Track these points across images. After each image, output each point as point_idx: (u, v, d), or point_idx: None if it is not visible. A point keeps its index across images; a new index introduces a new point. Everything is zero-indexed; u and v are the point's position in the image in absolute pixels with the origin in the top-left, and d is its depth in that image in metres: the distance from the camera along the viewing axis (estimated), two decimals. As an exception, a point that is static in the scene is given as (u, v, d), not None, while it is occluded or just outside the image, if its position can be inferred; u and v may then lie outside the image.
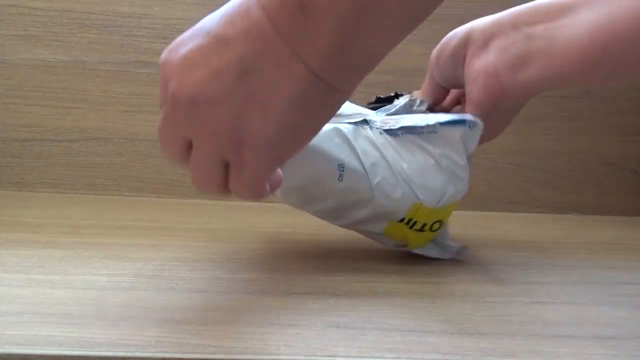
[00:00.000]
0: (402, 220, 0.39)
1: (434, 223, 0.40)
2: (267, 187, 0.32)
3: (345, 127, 0.39)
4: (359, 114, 0.41)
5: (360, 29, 0.27)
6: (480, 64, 0.41)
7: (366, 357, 0.25)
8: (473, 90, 0.41)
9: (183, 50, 0.31)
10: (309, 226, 0.51)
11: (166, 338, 0.26)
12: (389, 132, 0.40)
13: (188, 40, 0.31)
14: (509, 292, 0.35)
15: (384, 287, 0.35)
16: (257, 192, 0.32)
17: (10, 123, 0.64)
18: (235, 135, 0.29)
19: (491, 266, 0.42)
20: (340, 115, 0.40)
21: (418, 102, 0.44)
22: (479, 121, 0.40)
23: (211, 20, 0.31)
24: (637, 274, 0.42)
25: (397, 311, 0.31)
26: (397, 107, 0.44)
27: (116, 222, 0.51)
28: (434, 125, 0.39)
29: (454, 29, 0.43)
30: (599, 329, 0.30)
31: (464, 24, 0.43)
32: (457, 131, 0.39)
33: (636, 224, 0.66)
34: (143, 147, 0.65)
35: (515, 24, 0.40)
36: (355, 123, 0.40)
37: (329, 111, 0.31)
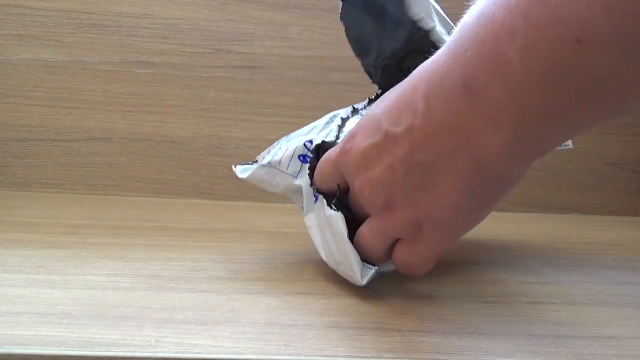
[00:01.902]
0: None
1: None
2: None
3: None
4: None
5: (547, 123, 0.26)
6: None
7: (366, 357, 0.25)
8: None
9: (361, 146, 0.32)
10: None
11: (166, 338, 0.26)
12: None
13: (363, 135, 0.32)
14: (509, 292, 0.35)
15: (384, 287, 0.35)
16: (425, 266, 0.33)
17: (10, 123, 0.64)
18: (411, 219, 0.31)
19: (491, 266, 0.42)
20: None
21: None
22: None
23: (382, 111, 0.31)
24: (637, 274, 0.42)
25: (397, 311, 0.31)
26: None
27: (116, 222, 0.51)
28: None
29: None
30: (599, 329, 0.30)
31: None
32: None
33: (636, 224, 0.66)
34: (143, 147, 0.65)
35: None
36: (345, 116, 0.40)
37: (500, 196, 0.31)
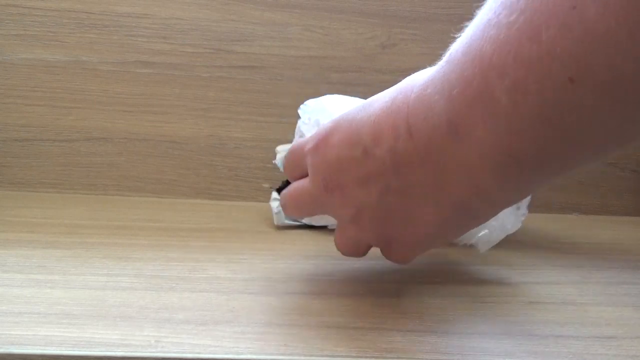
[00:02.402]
0: None
1: None
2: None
3: None
4: None
5: (534, 166, 0.24)
6: None
7: (366, 357, 0.25)
8: None
9: (336, 152, 0.31)
10: (308, 227, 0.51)
11: (166, 338, 0.26)
12: None
13: (340, 141, 0.31)
14: (509, 292, 0.35)
15: (384, 287, 0.35)
16: (406, 261, 0.34)
17: (10, 123, 0.64)
18: (381, 236, 0.32)
19: (491, 266, 0.42)
20: None
21: None
22: None
23: (364, 122, 0.30)
24: (637, 274, 0.42)
25: (397, 311, 0.31)
26: None
27: (116, 222, 0.51)
28: None
29: (454, 29, 0.43)
30: (599, 329, 0.30)
31: (464, 24, 0.43)
32: None
33: (636, 224, 0.66)
34: (143, 147, 0.65)
35: None
36: None
37: (474, 224, 0.31)
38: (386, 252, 0.34)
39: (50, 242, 0.42)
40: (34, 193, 0.64)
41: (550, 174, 0.25)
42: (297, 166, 0.35)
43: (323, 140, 0.32)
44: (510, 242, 0.50)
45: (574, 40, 0.20)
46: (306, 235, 0.49)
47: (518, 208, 0.44)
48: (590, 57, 0.20)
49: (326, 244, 0.46)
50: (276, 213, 0.51)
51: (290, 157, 0.36)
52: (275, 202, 0.52)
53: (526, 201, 0.45)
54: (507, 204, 0.29)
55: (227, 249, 0.42)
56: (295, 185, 0.36)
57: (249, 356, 0.24)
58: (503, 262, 0.43)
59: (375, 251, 0.44)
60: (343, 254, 0.35)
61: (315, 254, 0.43)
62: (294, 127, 0.50)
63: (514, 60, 0.22)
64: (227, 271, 0.37)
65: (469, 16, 0.45)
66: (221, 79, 0.66)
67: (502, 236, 0.44)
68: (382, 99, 0.30)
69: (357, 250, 0.35)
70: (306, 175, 0.34)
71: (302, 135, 0.48)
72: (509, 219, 0.44)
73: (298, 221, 0.51)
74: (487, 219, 0.30)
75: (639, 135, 0.23)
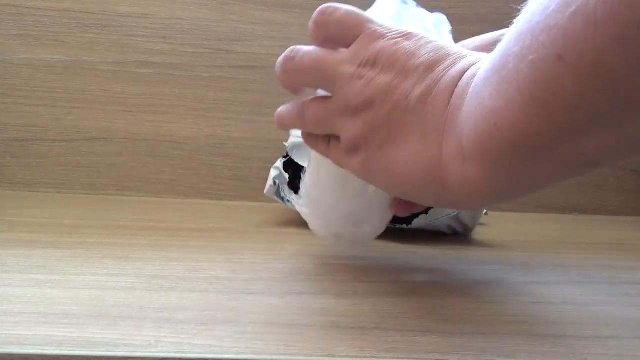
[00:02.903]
0: None
1: None
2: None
3: None
4: None
5: (521, 154, 0.25)
6: None
7: (366, 357, 0.25)
8: None
9: (391, 47, 0.31)
10: (308, 226, 0.51)
11: (166, 338, 0.26)
12: None
13: (407, 49, 0.31)
14: (509, 292, 0.35)
15: (384, 287, 0.35)
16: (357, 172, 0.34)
17: (10, 123, 0.64)
18: (359, 141, 0.32)
19: (491, 266, 0.42)
20: None
21: None
22: None
23: (427, 49, 0.31)
24: (637, 274, 0.42)
25: (397, 311, 0.31)
26: None
27: (116, 222, 0.51)
28: None
29: (454, 28, 0.43)
30: (599, 329, 0.30)
31: (464, 24, 0.43)
32: None
33: (636, 224, 0.66)
34: (143, 147, 0.65)
35: None
36: None
37: (423, 198, 0.32)
38: (350, 157, 0.33)
39: (50, 242, 0.42)
40: (34, 193, 0.64)
41: (531, 161, 0.25)
42: (340, 29, 0.34)
43: (393, 39, 0.32)
44: (511, 242, 0.50)
45: (564, 19, 0.21)
46: (306, 235, 0.49)
47: None
48: (579, 35, 0.20)
49: (326, 244, 0.46)
50: (270, 185, 0.52)
51: (339, 17, 0.34)
52: (274, 171, 0.52)
53: None
54: (466, 193, 0.29)
55: (227, 249, 0.42)
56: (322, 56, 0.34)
57: (249, 356, 0.24)
58: (503, 262, 0.43)
59: (375, 251, 0.44)
60: (310, 123, 0.35)
61: (315, 254, 0.43)
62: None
63: (528, 29, 0.23)
64: (227, 271, 0.37)
65: (469, 16, 0.45)
66: (221, 79, 0.66)
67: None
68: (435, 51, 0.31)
69: (323, 127, 0.34)
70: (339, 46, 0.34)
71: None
72: None
73: (283, 201, 0.51)
74: (439, 196, 0.30)
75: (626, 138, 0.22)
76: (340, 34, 0.33)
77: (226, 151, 0.66)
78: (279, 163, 0.52)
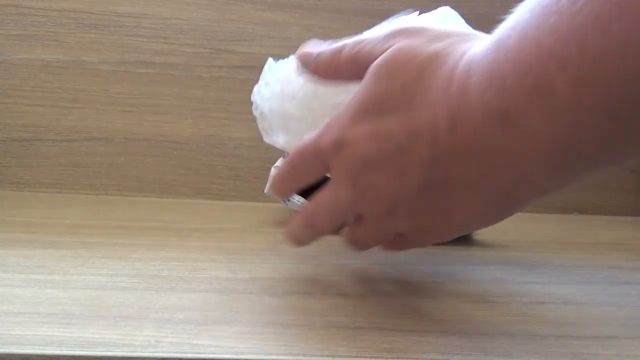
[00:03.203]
0: None
1: None
2: None
3: None
4: None
5: (592, 159, 0.24)
6: None
7: (366, 357, 0.25)
8: None
9: (358, 150, 0.29)
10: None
11: (166, 338, 0.26)
12: None
13: (364, 134, 0.29)
14: (509, 292, 0.35)
15: (384, 287, 0.35)
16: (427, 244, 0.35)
17: (10, 123, 0.64)
18: (419, 226, 0.31)
19: (491, 266, 0.42)
20: None
21: None
22: None
23: (389, 113, 0.28)
24: (637, 274, 0.42)
25: (397, 311, 0.31)
26: None
27: (116, 222, 0.51)
28: None
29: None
30: (599, 329, 0.30)
31: (465, 23, 0.43)
32: None
33: (636, 224, 0.66)
34: (143, 147, 0.65)
35: None
36: None
37: (516, 210, 0.30)
38: (418, 239, 0.33)
39: (50, 242, 0.42)
40: (34, 193, 0.64)
41: (604, 164, 0.25)
42: (311, 168, 0.33)
43: (343, 137, 0.30)
44: (511, 242, 0.50)
45: None
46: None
47: None
48: None
49: (326, 244, 0.46)
50: (270, 185, 0.51)
51: (302, 157, 0.32)
52: (274, 170, 0.52)
53: None
54: (554, 191, 0.28)
55: (227, 249, 0.42)
56: (318, 200, 0.32)
57: (249, 356, 0.24)
58: (503, 262, 0.43)
59: (375, 251, 0.44)
60: (364, 246, 0.34)
61: (315, 254, 0.43)
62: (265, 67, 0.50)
63: (577, 52, 0.21)
64: (227, 271, 0.37)
65: (469, 16, 0.45)
66: (221, 79, 0.66)
67: None
68: (410, 85, 0.28)
69: (386, 240, 0.33)
70: (322, 177, 0.32)
71: (256, 106, 0.47)
72: None
73: (283, 201, 0.51)
74: (530, 204, 0.29)
75: None
76: (311, 171, 0.33)
77: (226, 151, 0.66)
78: (279, 163, 0.52)
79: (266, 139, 0.47)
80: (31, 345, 0.24)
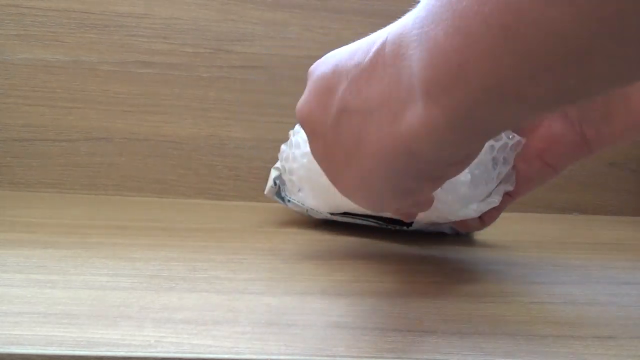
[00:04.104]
0: None
1: None
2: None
3: None
4: None
5: (491, 96, 0.21)
6: (559, 119, 0.40)
7: (366, 357, 0.25)
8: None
9: (314, 74, 0.31)
10: (308, 226, 0.51)
11: (166, 338, 0.26)
12: None
13: (324, 64, 0.31)
14: (509, 292, 0.35)
15: (384, 287, 0.35)
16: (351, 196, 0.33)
17: (10, 123, 0.64)
18: (326, 172, 0.31)
19: (491, 266, 0.42)
20: None
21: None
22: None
23: (341, 51, 0.30)
24: (637, 274, 0.42)
25: (397, 311, 0.31)
26: None
27: (116, 222, 0.51)
28: None
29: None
30: (599, 329, 0.30)
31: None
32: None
33: (636, 224, 0.66)
34: (143, 147, 0.65)
35: None
36: None
37: (410, 184, 0.29)
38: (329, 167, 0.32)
39: (50, 242, 0.42)
40: (34, 193, 0.64)
41: (510, 111, 0.22)
42: None
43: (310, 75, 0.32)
44: (511, 242, 0.50)
45: None
46: (306, 235, 0.49)
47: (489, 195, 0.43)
48: None
49: (326, 244, 0.46)
50: (271, 186, 0.52)
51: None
52: (274, 171, 0.52)
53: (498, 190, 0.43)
54: (457, 149, 0.26)
55: (227, 249, 0.42)
56: None
57: (249, 356, 0.24)
58: (503, 262, 0.43)
59: (375, 252, 0.44)
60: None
61: (315, 254, 0.43)
62: (294, 127, 0.50)
63: None
64: (227, 271, 0.37)
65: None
66: (221, 79, 0.66)
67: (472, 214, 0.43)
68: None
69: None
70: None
71: (284, 169, 0.50)
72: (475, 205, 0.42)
73: (284, 202, 0.51)
74: (435, 169, 0.27)
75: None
76: None
77: (226, 151, 0.66)
78: (279, 163, 0.52)
79: (292, 199, 0.50)
80: (31, 345, 0.24)
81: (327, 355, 0.25)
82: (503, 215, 0.41)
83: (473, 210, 0.42)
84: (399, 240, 0.48)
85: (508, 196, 0.43)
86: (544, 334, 0.29)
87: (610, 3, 0.17)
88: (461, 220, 0.43)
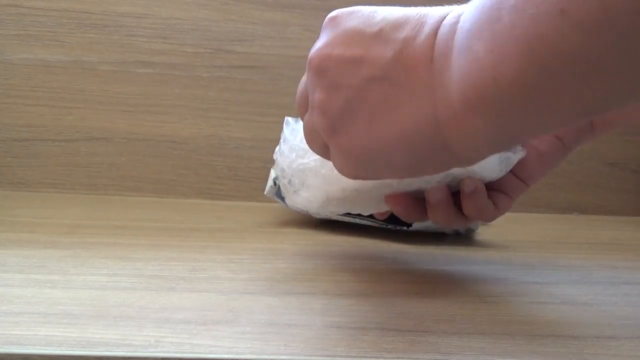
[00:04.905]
0: None
1: None
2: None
3: None
4: None
5: (517, 102, 0.24)
6: None
7: (366, 357, 0.25)
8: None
9: (348, 23, 0.31)
10: (308, 226, 0.51)
11: (166, 338, 0.26)
12: None
13: (356, 16, 0.30)
14: (509, 292, 0.35)
15: (384, 287, 0.35)
16: (344, 171, 0.33)
17: (10, 123, 0.64)
18: (332, 125, 0.30)
19: (491, 266, 0.42)
20: None
21: None
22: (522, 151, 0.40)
23: (388, 11, 0.30)
24: (637, 274, 0.42)
25: (397, 311, 0.31)
26: None
27: (116, 222, 0.51)
28: None
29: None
30: (599, 329, 0.30)
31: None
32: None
33: (636, 224, 0.66)
34: (143, 147, 0.65)
35: None
36: None
37: (430, 167, 0.30)
38: (331, 140, 0.32)
39: (50, 242, 0.42)
40: (34, 193, 0.64)
41: (531, 111, 0.25)
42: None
43: (341, 17, 0.31)
44: (511, 242, 0.50)
45: None
46: (306, 235, 0.49)
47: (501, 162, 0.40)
48: None
49: (326, 244, 0.46)
50: (270, 186, 0.52)
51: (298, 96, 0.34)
52: (274, 171, 0.52)
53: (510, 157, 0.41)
54: (472, 145, 0.28)
55: (227, 249, 0.42)
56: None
57: (249, 356, 0.24)
58: (503, 262, 0.43)
59: (375, 252, 0.44)
60: (307, 132, 0.34)
61: (315, 254, 0.43)
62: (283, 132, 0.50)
63: None
64: (227, 271, 0.37)
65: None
66: (221, 79, 0.66)
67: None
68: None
69: (313, 138, 0.34)
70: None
71: (277, 165, 0.48)
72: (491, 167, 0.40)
73: (283, 201, 0.51)
74: (445, 160, 0.29)
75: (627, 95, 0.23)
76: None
77: (226, 151, 0.66)
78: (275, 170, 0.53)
79: (289, 202, 0.47)
80: (31, 345, 0.24)
81: (327, 355, 0.25)
82: (503, 215, 0.41)
83: (497, 166, 0.39)
84: (399, 240, 0.48)
85: (523, 183, 0.42)
86: (544, 334, 0.29)
87: (618, 28, 0.20)
88: (476, 208, 0.40)
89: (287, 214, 0.57)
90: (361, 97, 0.29)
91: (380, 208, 0.41)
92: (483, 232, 0.54)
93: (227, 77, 0.66)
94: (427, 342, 0.27)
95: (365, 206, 0.41)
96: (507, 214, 0.44)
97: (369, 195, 0.39)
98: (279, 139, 0.48)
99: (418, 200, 0.39)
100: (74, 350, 0.24)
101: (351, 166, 0.32)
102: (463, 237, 0.51)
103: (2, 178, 0.64)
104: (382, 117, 0.29)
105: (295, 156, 0.44)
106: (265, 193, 0.52)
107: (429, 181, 0.37)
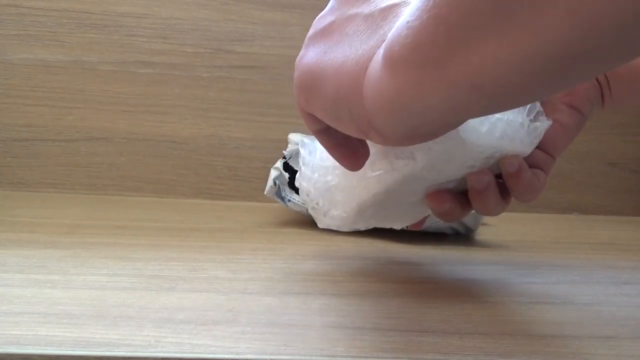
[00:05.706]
0: None
1: None
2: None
3: None
4: None
5: (467, 35, 0.22)
6: None
7: (366, 356, 0.25)
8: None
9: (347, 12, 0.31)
10: (308, 226, 0.51)
11: (166, 338, 0.26)
12: None
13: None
14: (509, 292, 0.35)
15: (384, 287, 0.35)
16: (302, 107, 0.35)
17: (10, 123, 0.64)
18: (309, 38, 0.32)
19: (491, 266, 0.42)
20: None
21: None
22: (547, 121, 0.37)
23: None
24: (637, 274, 0.42)
25: (397, 311, 0.31)
26: None
27: (116, 222, 0.51)
28: None
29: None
30: (599, 329, 0.30)
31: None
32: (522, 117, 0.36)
33: (636, 223, 0.66)
34: (143, 147, 0.65)
35: None
36: None
37: (345, 113, 0.29)
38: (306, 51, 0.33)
39: (50, 242, 0.42)
40: (34, 193, 0.64)
41: (429, 70, 0.23)
42: None
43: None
44: (511, 242, 0.50)
45: None
46: (306, 235, 0.49)
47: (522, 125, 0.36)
48: None
49: (326, 244, 0.46)
50: (271, 186, 0.52)
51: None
52: (274, 171, 0.52)
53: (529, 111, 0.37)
54: (389, 98, 0.26)
55: (227, 249, 0.42)
56: None
57: (249, 356, 0.24)
58: (503, 262, 0.43)
59: (376, 252, 0.44)
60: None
61: (315, 254, 0.43)
62: (294, 127, 0.50)
63: None
64: (227, 271, 0.37)
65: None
66: (221, 79, 0.66)
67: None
68: None
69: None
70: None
71: (302, 190, 0.47)
72: (517, 134, 0.36)
73: (284, 201, 0.51)
74: (361, 114, 0.28)
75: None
76: None
77: (226, 151, 0.66)
78: (279, 163, 0.53)
79: (320, 226, 0.45)
80: (31, 345, 0.24)
81: (327, 355, 0.25)
82: (503, 215, 0.41)
83: (527, 138, 0.36)
84: (398, 240, 0.48)
85: (550, 157, 0.40)
86: (544, 334, 0.29)
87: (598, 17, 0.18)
88: (524, 186, 0.36)
89: (287, 214, 0.57)
90: (342, 24, 0.30)
91: (416, 213, 0.40)
92: (483, 232, 0.54)
93: (227, 77, 0.66)
94: (427, 342, 0.27)
95: (400, 213, 0.40)
96: (507, 214, 0.44)
97: (401, 195, 0.37)
98: (279, 138, 0.48)
99: (457, 195, 0.38)
100: (74, 350, 0.24)
101: (295, 83, 0.34)
102: (463, 237, 0.51)
103: (2, 178, 0.64)
104: (341, 46, 0.30)
105: (318, 176, 0.42)
106: (265, 193, 0.52)
107: (473, 165, 0.35)
